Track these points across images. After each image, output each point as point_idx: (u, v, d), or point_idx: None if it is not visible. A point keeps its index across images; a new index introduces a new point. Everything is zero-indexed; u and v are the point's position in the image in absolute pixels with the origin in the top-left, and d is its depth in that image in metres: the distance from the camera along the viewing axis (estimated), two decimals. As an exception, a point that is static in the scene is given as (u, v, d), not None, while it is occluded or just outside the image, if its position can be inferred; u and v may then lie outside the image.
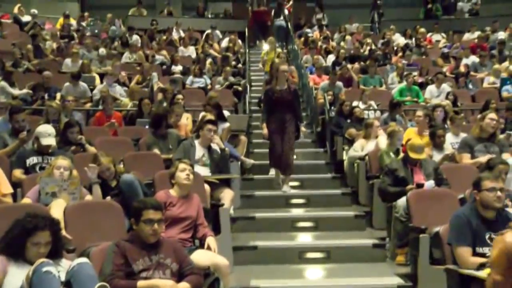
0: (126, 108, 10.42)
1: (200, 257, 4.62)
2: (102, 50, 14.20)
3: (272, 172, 8.57)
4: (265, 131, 8.20)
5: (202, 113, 8.32)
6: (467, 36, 17.36)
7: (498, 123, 7.27)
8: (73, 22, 17.79)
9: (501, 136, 7.62)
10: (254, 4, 18.00)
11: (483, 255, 4.30)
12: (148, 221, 4.00)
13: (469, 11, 20.20)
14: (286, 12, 18.56)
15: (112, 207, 5.19)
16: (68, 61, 13.09)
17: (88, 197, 5.45)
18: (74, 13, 19.41)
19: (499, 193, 4.39)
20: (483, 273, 4.06)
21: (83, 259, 3.71)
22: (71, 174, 5.46)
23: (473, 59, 14.25)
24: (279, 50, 13.66)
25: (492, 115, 7.24)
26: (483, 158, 6.72)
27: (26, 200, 5.21)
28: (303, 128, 8.46)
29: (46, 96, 10.57)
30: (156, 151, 7.44)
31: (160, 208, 4.13)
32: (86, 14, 18.87)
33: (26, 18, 17.23)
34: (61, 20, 17.80)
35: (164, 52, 14.98)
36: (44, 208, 4.83)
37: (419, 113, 8.32)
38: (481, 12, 20.10)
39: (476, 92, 12.29)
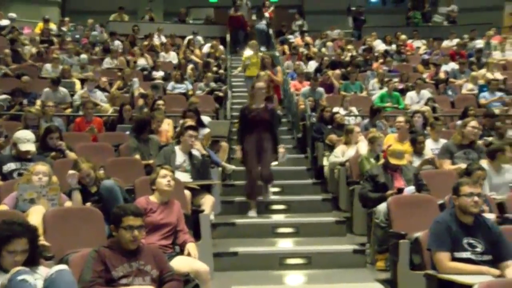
0: (107, 114, 10.37)
1: (180, 264, 4.61)
2: (84, 57, 14.13)
3: (253, 213, 7.80)
4: (238, 154, 7.84)
5: (186, 121, 8.27)
6: (446, 43, 17.54)
7: (479, 131, 7.35)
8: (53, 26, 17.65)
9: (480, 142, 7.69)
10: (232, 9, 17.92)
11: (461, 260, 4.35)
12: (128, 228, 3.98)
13: (447, 19, 20.39)
14: (267, 15, 18.58)
15: (92, 213, 5.16)
16: (48, 66, 12.99)
17: (68, 203, 5.41)
18: (54, 17, 19.29)
19: (476, 198, 4.43)
20: (463, 279, 4.11)
21: (62, 266, 3.66)
22: (50, 180, 5.42)
23: (453, 66, 14.43)
24: (261, 54, 13.22)
25: (474, 123, 7.34)
26: (463, 165, 6.78)
27: (3, 207, 5.13)
28: (281, 149, 7.96)
29: (25, 101, 10.48)
30: (138, 156, 7.42)
31: (140, 214, 4.11)
32: (66, 19, 18.73)
33: (4, 22, 17.05)
34: (40, 24, 17.64)
35: (147, 57, 14.91)
36: (21, 214, 4.77)
37: (400, 119, 8.36)
38: (459, 20, 20.35)
39: (455, 99, 12.41)
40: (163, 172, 5.21)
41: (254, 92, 7.92)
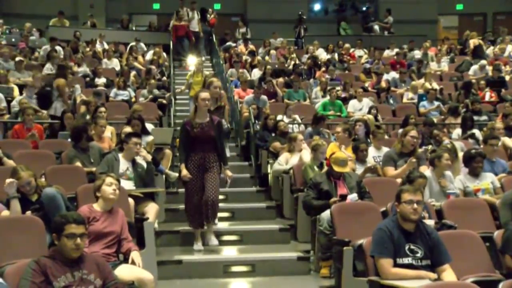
0: (48, 121, 10.15)
1: (124, 272, 4.56)
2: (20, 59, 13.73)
3: (198, 246, 6.96)
4: (184, 172, 6.75)
5: (126, 128, 8.16)
6: (387, 52, 17.95)
7: (418, 140, 7.53)
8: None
9: (420, 150, 7.87)
10: (176, 18, 17.72)
11: (403, 265, 4.46)
12: (70, 236, 3.90)
13: (382, 31, 20.89)
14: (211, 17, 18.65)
15: (32, 222, 5.04)
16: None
17: (5, 213, 5.26)
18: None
19: (415, 205, 4.54)
20: (404, 284, 4.21)
21: (-3, 279, 3.57)
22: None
23: (393, 75, 14.75)
24: (206, 72, 12.75)
25: (413, 132, 7.52)
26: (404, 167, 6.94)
27: None
28: (228, 173, 6.95)
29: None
30: (78, 164, 7.29)
31: (82, 222, 4.03)
32: (0, 21, 18.23)
33: None
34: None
35: (89, 64, 14.67)
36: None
37: (338, 129, 8.44)
38: (396, 31, 20.92)
39: (396, 107, 12.68)
40: (109, 180, 5.16)
41: (197, 104, 6.82)
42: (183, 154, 6.88)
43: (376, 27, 21.11)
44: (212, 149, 6.80)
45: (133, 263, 4.79)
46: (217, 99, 7.85)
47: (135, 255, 4.86)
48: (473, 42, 16.89)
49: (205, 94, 6.87)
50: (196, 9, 18.29)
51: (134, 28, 20.68)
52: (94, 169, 7.05)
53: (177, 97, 13.60)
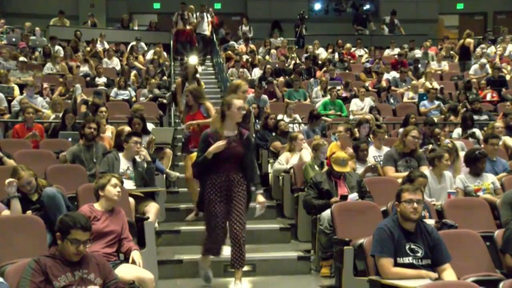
0: (48, 121, 10.15)
1: (124, 272, 4.57)
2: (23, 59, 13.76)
3: (210, 274, 5.99)
4: (195, 196, 5.83)
5: (127, 128, 8.15)
6: (387, 52, 17.95)
7: (419, 140, 7.52)
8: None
9: (420, 150, 7.86)
10: (178, 22, 17.31)
11: (403, 265, 4.46)
12: (74, 241, 3.88)
13: (390, 29, 20.82)
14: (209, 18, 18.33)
15: (33, 222, 5.05)
16: (-19, 70, 12.62)
17: (6, 212, 5.27)
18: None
19: (415, 204, 4.53)
20: (404, 283, 4.21)
21: (-2, 279, 3.57)
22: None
23: (394, 74, 14.75)
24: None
25: (415, 132, 7.49)
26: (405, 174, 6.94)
27: None
28: (260, 198, 5.69)
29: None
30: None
31: (89, 228, 4.00)
32: (1, 21, 18.24)
33: None
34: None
35: (91, 63, 14.66)
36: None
37: (340, 128, 8.44)
38: (397, 30, 20.93)
39: (396, 107, 12.68)
40: (114, 181, 5.16)
41: (229, 112, 5.52)
42: (200, 173, 5.61)
43: (372, 24, 21.05)
44: (239, 169, 5.54)
45: (133, 262, 4.79)
46: None
47: (135, 254, 4.86)
48: (461, 42, 16.75)
49: (240, 102, 5.56)
50: (206, 10, 17.71)
51: (136, 28, 20.66)
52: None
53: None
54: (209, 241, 5.64)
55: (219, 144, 5.34)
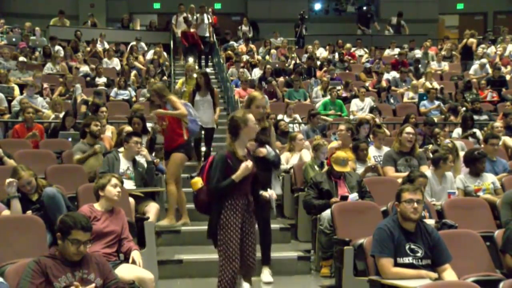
0: (48, 121, 10.16)
1: (125, 272, 4.57)
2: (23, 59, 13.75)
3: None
4: (218, 222, 4.90)
5: (127, 127, 8.15)
6: (387, 52, 17.95)
7: (415, 136, 7.48)
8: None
9: (420, 150, 7.86)
10: (180, 25, 17.06)
11: (403, 265, 4.46)
12: (75, 242, 3.88)
13: (396, 31, 20.77)
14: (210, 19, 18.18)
15: (33, 222, 5.05)
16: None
17: (6, 212, 5.27)
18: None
19: (415, 204, 4.53)
20: (404, 283, 4.21)
21: (-2, 279, 3.57)
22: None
23: (394, 74, 14.75)
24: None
25: (409, 129, 7.46)
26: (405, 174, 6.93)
27: None
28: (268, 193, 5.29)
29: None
30: (77, 156, 7.39)
31: (89, 229, 4.01)
32: (1, 21, 18.24)
33: None
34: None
35: (90, 63, 14.67)
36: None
37: (342, 127, 8.43)
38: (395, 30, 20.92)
39: (396, 107, 12.68)
40: (114, 181, 5.17)
41: (247, 128, 4.99)
42: (220, 200, 4.91)
43: (376, 24, 21.04)
44: (250, 190, 5.09)
45: (133, 262, 4.80)
46: (259, 120, 5.89)
47: (135, 254, 4.86)
48: (464, 42, 16.78)
49: (251, 118, 5.04)
50: (206, 11, 17.14)
51: (138, 28, 20.63)
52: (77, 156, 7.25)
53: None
54: (226, 275, 4.88)
55: (248, 166, 4.88)
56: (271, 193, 5.31)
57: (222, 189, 4.85)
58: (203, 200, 4.99)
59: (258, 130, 5.46)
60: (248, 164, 4.88)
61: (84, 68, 14.30)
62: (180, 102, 7.48)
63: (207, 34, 16.79)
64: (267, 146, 5.54)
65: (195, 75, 10.07)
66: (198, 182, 4.98)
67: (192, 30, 16.19)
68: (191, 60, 14.55)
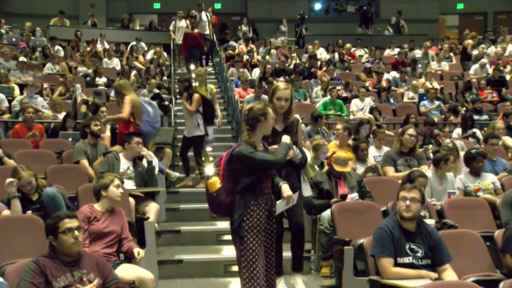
0: (48, 121, 10.15)
1: (124, 272, 4.58)
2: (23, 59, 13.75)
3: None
4: (243, 230, 4.44)
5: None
6: (387, 52, 17.95)
7: (416, 138, 7.51)
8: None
9: (420, 150, 7.86)
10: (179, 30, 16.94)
11: (403, 265, 4.46)
12: (67, 231, 3.89)
13: (397, 32, 20.77)
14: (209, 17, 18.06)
15: (33, 222, 5.05)
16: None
17: (6, 212, 5.27)
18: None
19: (408, 202, 4.53)
20: (404, 283, 4.21)
21: (-2, 279, 3.57)
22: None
23: (394, 74, 14.75)
24: (211, 86, 10.78)
25: (411, 131, 7.48)
26: (406, 173, 6.93)
27: None
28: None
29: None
30: (84, 160, 7.36)
31: (74, 216, 4.05)
32: (2, 21, 18.23)
33: None
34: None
35: (89, 63, 14.66)
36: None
37: (338, 126, 8.40)
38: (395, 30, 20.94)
39: (397, 107, 12.68)
40: (117, 182, 5.18)
41: (267, 122, 4.59)
42: (245, 201, 4.46)
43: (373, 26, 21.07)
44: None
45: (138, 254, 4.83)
46: (285, 113, 5.56)
47: (140, 250, 4.89)
48: (464, 43, 16.78)
49: (272, 113, 4.68)
50: (204, 9, 17.01)
51: (138, 28, 20.63)
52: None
53: (178, 96, 13.59)
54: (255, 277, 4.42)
55: (287, 141, 4.59)
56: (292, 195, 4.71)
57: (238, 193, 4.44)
58: (223, 201, 4.49)
59: (282, 128, 5.16)
60: (285, 139, 4.58)
61: (82, 69, 14.30)
62: (135, 103, 7.72)
63: (207, 32, 16.81)
64: (294, 147, 5.04)
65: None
66: (216, 182, 4.46)
67: (196, 30, 16.13)
68: (192, 67, 14.50)
